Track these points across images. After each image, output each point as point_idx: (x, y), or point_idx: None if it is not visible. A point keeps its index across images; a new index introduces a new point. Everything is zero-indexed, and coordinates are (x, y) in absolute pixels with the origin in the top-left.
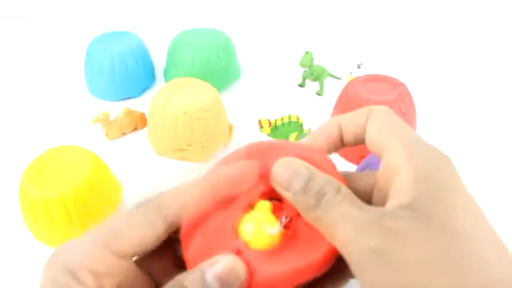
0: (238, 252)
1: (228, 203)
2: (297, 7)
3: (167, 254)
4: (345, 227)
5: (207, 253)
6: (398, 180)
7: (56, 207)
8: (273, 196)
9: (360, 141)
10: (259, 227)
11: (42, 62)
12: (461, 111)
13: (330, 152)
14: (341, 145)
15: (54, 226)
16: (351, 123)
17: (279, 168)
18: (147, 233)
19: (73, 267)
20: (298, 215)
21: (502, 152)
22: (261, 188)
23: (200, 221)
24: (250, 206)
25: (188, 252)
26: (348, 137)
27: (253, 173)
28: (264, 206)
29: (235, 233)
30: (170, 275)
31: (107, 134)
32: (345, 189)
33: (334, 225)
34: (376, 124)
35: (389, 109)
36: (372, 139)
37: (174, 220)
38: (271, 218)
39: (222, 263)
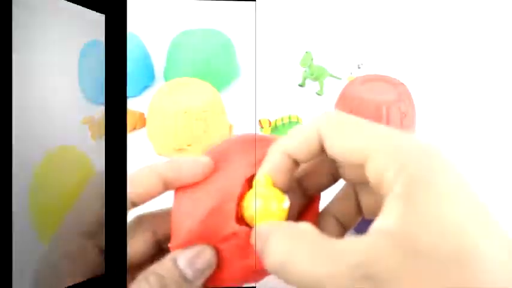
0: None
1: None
2: (297, 7)
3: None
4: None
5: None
6: (387, 199)
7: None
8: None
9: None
10: (269, 202)
11: (40, 61)
12: (462, 111)
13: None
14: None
15: None
16: (298, 145)
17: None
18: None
19: None
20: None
21: (502, 152)
22: (251, 172)
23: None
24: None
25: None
26: (301, 157)
27: (203, 166)
28: (265, 181)
29: (241, 211)
30: None
31: (92, 136)
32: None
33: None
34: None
35: (336, 111)
36: (341, 148)
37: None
38: (277, 192)
39: (192, 249)
